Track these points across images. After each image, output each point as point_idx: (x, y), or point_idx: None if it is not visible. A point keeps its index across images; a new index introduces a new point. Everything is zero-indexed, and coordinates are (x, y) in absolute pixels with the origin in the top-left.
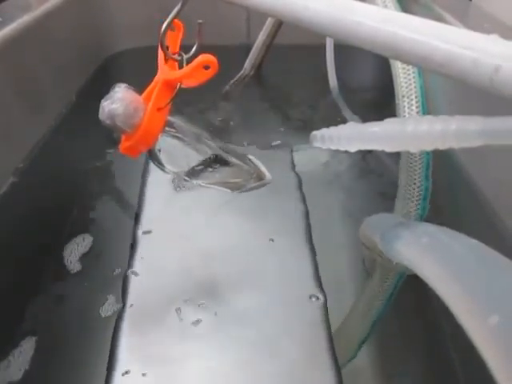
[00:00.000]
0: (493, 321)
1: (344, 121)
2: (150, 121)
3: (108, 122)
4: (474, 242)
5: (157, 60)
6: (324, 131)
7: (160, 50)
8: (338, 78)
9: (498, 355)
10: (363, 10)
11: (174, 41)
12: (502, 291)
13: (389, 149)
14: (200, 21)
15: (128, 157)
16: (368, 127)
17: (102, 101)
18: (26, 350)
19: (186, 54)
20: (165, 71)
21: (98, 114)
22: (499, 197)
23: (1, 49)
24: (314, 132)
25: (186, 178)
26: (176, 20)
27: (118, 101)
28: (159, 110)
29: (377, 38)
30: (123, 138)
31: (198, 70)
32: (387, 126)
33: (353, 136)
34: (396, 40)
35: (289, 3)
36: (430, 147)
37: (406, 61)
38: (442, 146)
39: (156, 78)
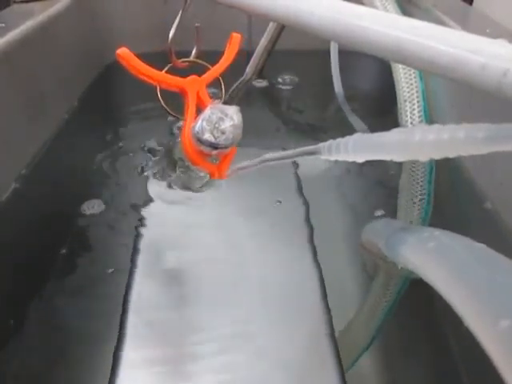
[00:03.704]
0: (503, 325)
1: (348, 126)
2: None
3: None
4: (480, 245)
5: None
6: (331, 142)
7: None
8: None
9: (509, 359)
10: (369, 15)
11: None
12: (510, 294)
13: (397, 158)
14: (197, 24)
15: (128, 160)
16: (375, 137)
17: (211, 132)
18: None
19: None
20: (188, 79)
21: (99, 118)
22: (502, 199)
23: (3, 54)
24: (321, 144)
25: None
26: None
27: (233, 120)
28: None
29: (383, 43)
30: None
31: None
32: (394, 135)
33: (360, 147)
34: (402, 44)
35: (294, 9)
36: (438, 156)
37: (413, 65)
38: (451, 155)
39: (193, 89)
